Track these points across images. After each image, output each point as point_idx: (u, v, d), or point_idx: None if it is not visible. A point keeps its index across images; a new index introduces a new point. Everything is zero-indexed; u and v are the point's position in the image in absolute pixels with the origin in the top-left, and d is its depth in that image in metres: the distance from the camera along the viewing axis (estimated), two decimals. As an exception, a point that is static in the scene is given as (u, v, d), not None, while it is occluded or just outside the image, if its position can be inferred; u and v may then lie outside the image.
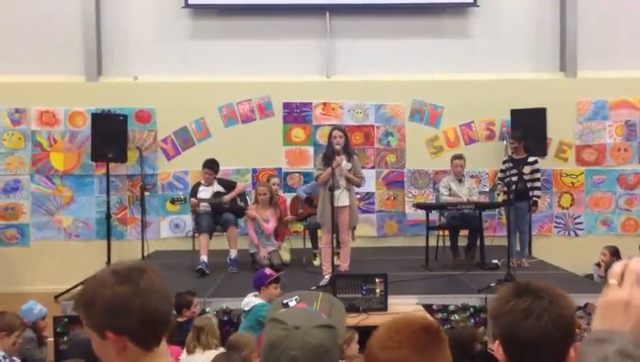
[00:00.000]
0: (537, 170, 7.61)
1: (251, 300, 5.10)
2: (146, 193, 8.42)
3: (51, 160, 8.92)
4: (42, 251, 8.78)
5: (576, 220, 9.17)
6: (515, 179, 7.06)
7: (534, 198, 7.53)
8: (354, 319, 5.24)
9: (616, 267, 1.09)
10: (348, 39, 9.16)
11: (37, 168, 8.91)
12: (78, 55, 8.98)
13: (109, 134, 8.31)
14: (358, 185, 6.77)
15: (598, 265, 7.36)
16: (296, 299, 1.51)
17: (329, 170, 6.24)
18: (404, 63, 9.05)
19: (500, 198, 8.00)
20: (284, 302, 1.50)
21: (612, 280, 1.08)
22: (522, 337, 1.49)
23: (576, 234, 9.14)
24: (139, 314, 1.41)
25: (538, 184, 7.63)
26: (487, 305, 5.79)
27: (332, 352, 1.44)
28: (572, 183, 9.17)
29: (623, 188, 9.13)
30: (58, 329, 5.66)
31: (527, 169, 7.44)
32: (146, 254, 7.96)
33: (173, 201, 7.67)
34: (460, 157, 7.82)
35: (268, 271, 5.42)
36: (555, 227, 9.16)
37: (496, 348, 1.60)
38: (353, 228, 6.94)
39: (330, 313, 1.50)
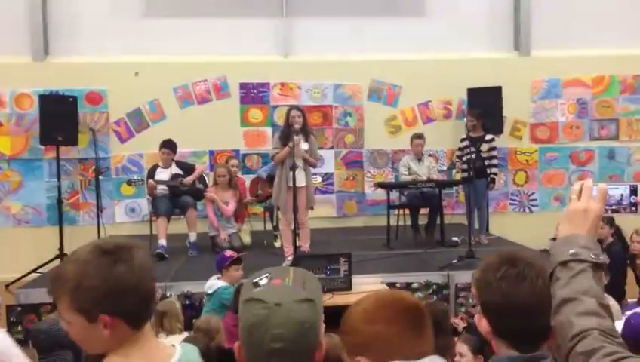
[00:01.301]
0: (494, 148, 7.70)
1: (214, 283, 5.00)
2: (101, 176, 8.16)
3: (-3, 143, 8.54)
4: (-10, 238, 8.42)
5: (531, 197, 9.36)
6: (473, 156, 7.13)
7: (492, 176, 7.62)
8: (319, 299, 5.21)
9: (575, 186, 1.37)
10: (305, 18, 9.04)
11: (-18, 152, 8.51)
12: (24, 33, 8.58)
13: (59, 116, 7.98)
14: (314, 166, 6.73)
15: (554, 239, 7.52)
16: (267, 277, 1.43)
17: (286, 148, 6.18)
18: (362, 43, 9.00)
19: (458, 176, 8.07)
20: (255, 281, 1.42)
21: (573, 196, 1.36)
22: (520, 301, 1.49)
23: (531, 211, 9.34)
24: (136, 293, 1.35)
25: (495, 161, 7.73)
26: (449, 281, 5.87)
27: (316, 326, 1.39)
28: (526, 161, 9.35)
29: (575, 164, 9.35)
30: (12, 319, 5.44)
31: (484, 147, 7.52)
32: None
33: (130, 183, 7.46)
34: (420, 136, 7.85)
35: (228, 253, 5.30)
36: (511, 204, 9.34)
37: (478, 320, 1.59)
38: (311, 209, 6.89)
39: (304, 286, 1.44)
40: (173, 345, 1.55)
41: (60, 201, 8.13)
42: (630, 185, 1.74)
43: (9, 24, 8.51)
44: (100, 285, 1.33)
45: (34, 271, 7.50)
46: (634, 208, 1.67)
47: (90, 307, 1.34)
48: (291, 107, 6.83)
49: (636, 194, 1.62)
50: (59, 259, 7.79)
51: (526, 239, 7.77)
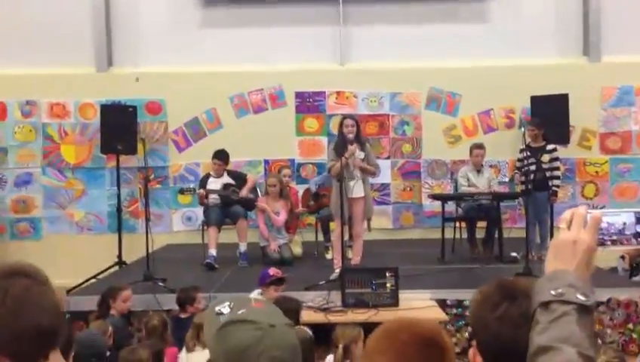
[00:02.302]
0: (557, 159, 7.30)
1: (256, 298, 4.91)
2: (157, 186, 8.29)
3: (62, 152, 8.86)
4: (54, 245, 8.71)
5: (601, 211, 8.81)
6: (533, 168, 6.77)
7: (553, 188, 7.23)
8: (362, 315, 5.05)
9: (566, 214, 1.20)
10: (362, 26, 8.91)
11: (48, 161, 8.84)
12: (88, 46, 8.87)
13: (119, 126, 8.17)
14: (374, 175, 6.55)
15: (622, 257, 7.04)
16: (229, 305, 1.34)
17: (341, 160, 6.03)
18: (420, 50, 8.77)
19: (518, 188, 7.71)
20: (218, 309, 1.34)
21: (562, 225, 1.19)
22: (523, 347, 1.25)
23: (601, 226, 8.79)
24: (9, 328, 1.20)
25: (558, 173, 7.32)
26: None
27: (300, 353, 1.35)
28: (596, 172, 8.83)
29: (649, 176, 8.76)
30: (62, 325, 5.54)
31: (545, 157, 7.14)
32: (153, 249, 7.79)
33: (182, 191, 7.53)
34: (480, 146, 7.55)
35: (272, 270, 5.17)
36: (579, 218, 8.82)
37: (472, 356, 1.40)
38: (369, 220, 6.73)
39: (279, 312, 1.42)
40: None
41: (119, 209, 8.32)
42: (635, 212, 1.55)
43: (75, 38, 8.81)
44: None
45: (93, 277, 7.68)
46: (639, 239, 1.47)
47: None
48: (344, 116, 6.71)
49: (643, 223, 1.43)
50: (117, 266, 7.98)
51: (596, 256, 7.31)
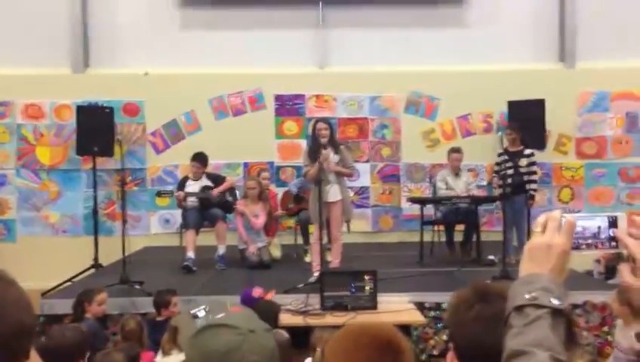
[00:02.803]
0: (534, 163, 7.38)
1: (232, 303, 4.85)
2: (134, 188, 8.21)
3: (37, 154, 8.73)
4: (29, 247, 8.57)
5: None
6: (510, 172, 6.83)
7: (531, 192, 7.30)
8: (341, 318, 5.04)
9: (540, 218, 1.21)
10: (341, 29, 8.92)
11: (23, 163, 8.71)
12: (64, 46, 8.76)
13: (95, 127, 8.06)
14: (350, 176, 6.55)
15: (598, 261, 7.14)
16: (205, 309, 1.34)
17: (316, 165, 6.02)
18: (400, 54, 8.81)
19: (496, 192, 7.77)
20: (193, 312, 1.33)
21: (537, 229, 1.20)
22: (494, 347, 1.24)
23: (577, 229, 8.90)
24: None
25: (535, 177, 7.41)
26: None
27: (278, 358, 1.36)
28: (572, 177, 8.94)
29: (624, 181, 8.89)
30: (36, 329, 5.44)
31: (523, 161, 7.21)
32: (131, 251, 7.71)
33: (159, 194, 7.47)
34: (457, 150, 7.60)
35: (256, 292, 5.10)
36: (555, 222, 8.92)
37: (450, 360, 1.39)
38: (347, 221, 6.73)
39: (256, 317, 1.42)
40: None
41: (95, 212, 8.21)
42: (609, 217, 1.56)
43: (50, 37, 8.69)
44: None
45: (69, 280, 7.56)
46: (613, 243, 1.48)
47: None
48: (317, 119, 6.67)
49: (616, 227, 1.44)
50: (93, 269, 7.87)
51: (572, 259, 7.40)
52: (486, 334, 1.29)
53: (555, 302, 1.09)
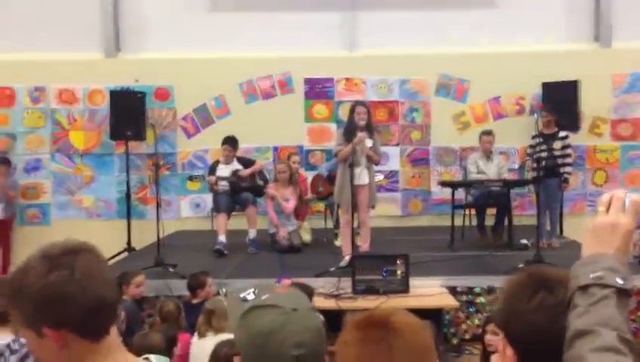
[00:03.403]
0: (568, 146, 7.25)
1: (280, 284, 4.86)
2: (165, 172, 8.29)
3: (71, 138, 8.86)
4: (63, 231, 8.64)
5: (611, 198, 8.77)
6: (544, 155, 6.73)
7: (565, 175, 7.19)
8: (373, 302, 5.05)
9: (604, 197, 1.19)
10: (371, 12, 8.83)
11: (57, 147, 8.85)
12: (97, 31, 8.84)
13: (128, 112, 8.15)
14: (377, 163, 6.55)
15: (633, 244, 7.00)
16: (254, 292, 1.35)
17: (350, 145, 6.02)
18: (429, 36, 8.70)
19: (529, 175, 7.66)
20: (242, 296, 1.34)
21: (600, 208, 1.18)
22: (557, 338, 1.20)
23: (610, 213, 8.75)
24: (78, 302, 1.22)
25: (569, 160, 7.28)
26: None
27: (324, 336, 1.35)
28: (606, 159, 8.78)
29: (660, 163, 8.70)
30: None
31: (557, 144, 7.09)
32: (163, 234, 7.82)
33: (191, 178, 7.51)
34: (489, 133, 7.51)
35: (284, 283, 5.12)
36: (589, 205, 8.78)
37: (502, 349, 1.33)
38: (372, 207, 6.72)
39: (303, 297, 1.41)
40: (146, 358, 1.45)
41: (128, 196, 8.33)
42: None
43: (82, 22, 8.77)
44: (36, 294, 1.22)
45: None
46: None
47: (33, 319, 1.24)
48: (356, 102, 6.67)
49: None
50: (126, 253, 8.00)
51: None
52: (547, 324, 1.25)
53: (620, 281, 1.08)
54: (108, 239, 8.23)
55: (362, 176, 6.17)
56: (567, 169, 7.22)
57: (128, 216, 8.25)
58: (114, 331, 1.33)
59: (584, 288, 1.10)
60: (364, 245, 6.35)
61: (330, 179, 7.61)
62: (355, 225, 6.44)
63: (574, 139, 7.80)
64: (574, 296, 1.11)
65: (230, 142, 7.33)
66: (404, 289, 5.28)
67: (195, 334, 4.29)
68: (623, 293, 1.08)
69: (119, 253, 7.92)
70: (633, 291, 1.10)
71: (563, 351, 1.19)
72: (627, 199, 1.17)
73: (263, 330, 1.28)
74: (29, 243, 8.67)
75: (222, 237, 6.95)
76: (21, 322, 1.26)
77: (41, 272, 1.23)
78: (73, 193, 8.87)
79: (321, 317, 1.40)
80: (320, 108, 8.95)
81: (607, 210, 1.17)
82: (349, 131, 6.18)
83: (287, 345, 1.26)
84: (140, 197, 8.89)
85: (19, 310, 1.25)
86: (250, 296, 1.33)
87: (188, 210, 8.93)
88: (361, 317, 1.29)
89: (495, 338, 3.59)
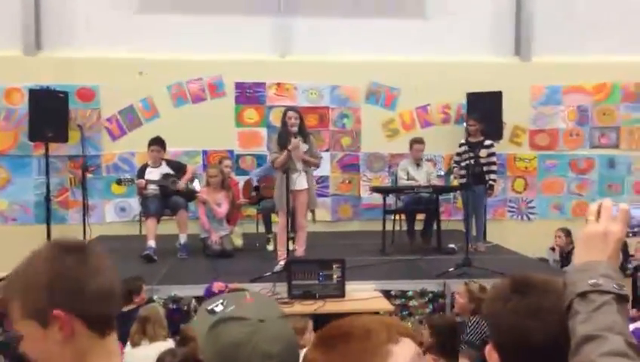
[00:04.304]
0: (493, 154, 7.55)
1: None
2: (89, 175, 7.96)
3: (-14, 139, 8.35)
4: (-25, 236, 8.21)
5: (530, 204, 9.20)
6: (471, 162, 6.96)
7: (490, 182, 7.47)
8: (310, 306, 5.05)
9: (592, 206, 1.24)
10: (303, 17, 8.87)
11: (-31, 148, 8.32)
12: (15, 27, 8.39)
13: (49, 112, 7.81)
14: (317, 166, 6.58)
15: (553, 249, 7.37)
16: (222, 303, 1.30)
17: (285, 153, 6.00)
18: (361, 44, 8.83)
19: (456, 182, 7.91)
20: (210, 308, 1.29)
21: (590, 217, 1.22)
22: (534, 341, 1.25)
23: (529, 219, 9.18)
24: (89, 286, 1.18)
25: (494, 168, 7.58)
26: (446, 290, 5.68)
27: (296, 345, 1.31)
28: (525, 167, 9.20)
29: (574, 172, 9.21)
30: (-10, 321, 5.22)
31: (483, 152, 7.37)
32: (89, 239, 7.52)
33: (119, 182, 7.22)
34: (420, 141, 7.69)
35: (216, 286, 5.01)
36: (509, 211, 9.18)
37: (488, 353, 1.37)
38: (312, 211, 6.73)
39: (271, 304, 1.37)
40: None
41: (48, 199, 7.95)
42: None
43: (1, 18, 8.30)
44: (50, 278, 1.17)
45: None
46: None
47: (40, 306, 1.16)
48: (288, 108, 6.67)
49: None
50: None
51: (524, 247, 7.63)
52: (523, 326, 1.27)
53: (616, 287, 1.12)
54: (25, 245, 7.67)
55: (300, 181, 6.17)
56: (493, 176, 7.51)
57: (48, 221, 7.88)
58: (115, 337, 1.27)
59: (583, 295, 1.12)
60: (299, 249, 6.34)
61: (258, 188, 7.56)
62: (289, 229, 6.41)
63: (496, 147, 8.11)
64: (574, 303, 1.14)
65: (158, 142, 7.11)
66: (340, 293, 5.31)
67: (128, 343, 4.13)
68: (621, 299, 1.12)
69: (38, 260, 7.54)
70: (628, 298, 1.15)
71: (544, 356, 1.24)
72: (616, 208, 1.21)
73: (230, 344, 1.23)
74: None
75: (151, 242, 6.75)
76: (23, 312, 1.18)
77: (50, 256, 1.20)
78: (-14, 196, 8.36)
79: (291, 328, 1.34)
80: (251, 113, 8.88)
81: (597, 218, 1.21)
82: (283, 138, 6.17)
83: (256, 356, 1.22)
84: (60, 201, 8.49)
85: (22, 299, 1.18)
86: (219, 308, 1.28)
87: (112, 215, 8.62)
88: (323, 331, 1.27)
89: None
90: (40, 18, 8.50)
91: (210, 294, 4.93)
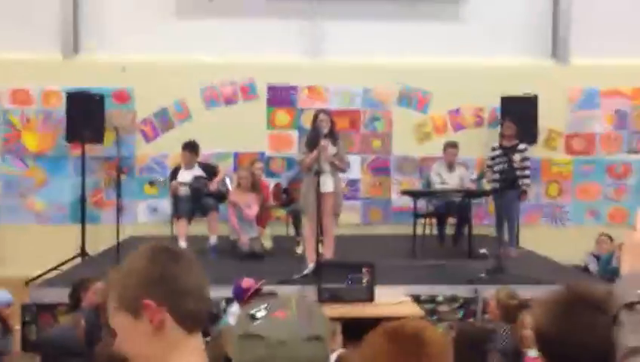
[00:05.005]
0: (527, 158, 7.43)
1: (236, 312, 4.71)
2: (122, 176, 8.07)
3: (24, 140, 8.56)
4: (13, 235, 8.41)
5: (564, 210, 9.02)
6: (504, 166, 6.87)
7: (524, 187, 7.35)
8: (338, 310, 5.00)
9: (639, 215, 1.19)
10: (335, 21, 8.85)
11: (8, 148, 8.54)
12: (55, 31, 8.57)
13: (85, 114, 7.95)
14: (344, 171, 6.54)
15: (594, 255, 7.22)
16: (266, 309, 1.25)
17: (314, 153, 6.00)
18: (393, 46, 8.78)
19: (488, 186, 7.80)
20: (251, 313, 1.25)
21: (639, 225, 1.19)
22: (586, 358, 1.23)
23: (564, 224, 9.00)
24: (181, 283, 1.25)
25: (528, 172, 7.46)
26: (477, 296, 5.60)
27: None
28: (560, 172, 9.02)
29: (611, 178, 9.00)
30: (26, 318, 5.34)
31: (517, 156, 7.25)
32: (121, 239, 7.63)
33: (152, 183, 7.32)
34: (454, 145, 7.62)
35: (245, 283, 4.99)
36: (543, 216, 9.01)
37: None
38: (337, 215, 6.70)
39: (310, 320, 1.25)
40: None
41: (83, 199, 8.10)
42: None
43: (40, 21, 8.50)
44: (146, 272, 1.26)
45: (53, 269, 7.45)
46: None
47: (134, 295, 1.24)
48: (319, 110, 6.65)
49: None
50: (80, 258, 7.77)
51: (558, 253, 7.49)
52: (580, 340, 1.24)
53: None
54: (60, 244, 8.02)
55: (327, 184, 6.14)
56: (526, 181, 7.39)
57: (83, 221, 8.03)
58: (200, 335, 1.32)
59: (630, 306, 1.09)
60: (327, 252, 6.32)
61: (287, 191, 7.57)
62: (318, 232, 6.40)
63: (530, 152, 7.99)
64: (620, 314, 1.11)
65: (190, 147, 7.22)
66: (369, 297, 5.27)
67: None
68: None
69: (72, 258, 7.70)
70: None
71: None
72: None
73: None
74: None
75: (182, 243, 6.82)
76: (118, 303, 1.26)
77: (147, 255, 1.29)
78: (24, 196, 8.55)
79: (323, 350, 1.29)
80: (282, 116, 8.91)
81: None
82: (312, 139, 6.16)
83: None
84: (95, 201, 8.64)
85: (119, 291, 1.26)
86: (261, 313, 1.24)
87: (145, 215, 8.74)
88: (392, 328, 1.27)
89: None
90: (78, 22, 8.68)
91: (239, 291, 4.94)
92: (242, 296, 4.76)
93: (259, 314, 1.23)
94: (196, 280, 1.29)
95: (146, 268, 1.26)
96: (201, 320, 1.30)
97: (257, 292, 4.81)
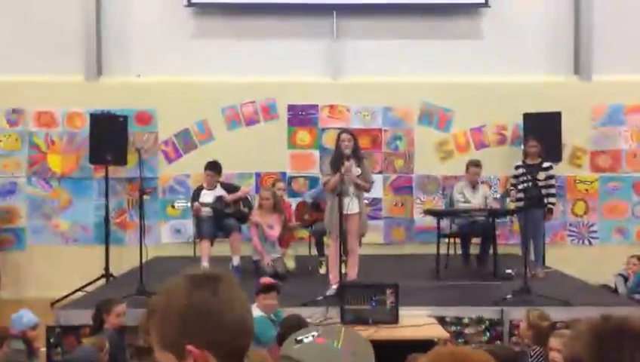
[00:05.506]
0: (552, 176, 7.32)
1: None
2: (145, 197, 8.12)
3: (49, 162, 8.67)
4: (39, 256, 8.51)
5: (591, 228, 8.86)
6: (529, 185, 6.77)
7: (549, 205, 7.23)
8: (363, 332, 4.95)
9: None
10: (355, 40, 8.89)
11: (34, 170, 8.65)
12: (78, 54, 8.71)
13: (109, 136, 8.04)
14: (367, 191, 6.50)
15: (622, 276, 7.07)
16: (313, 336, 1.26)
17: (337, 175, 5.94)
18: (414, 65, 8.78)
19: (512, 205, 7.69)
20: (299, 338, 1.25)
21: None
22: None
23: (591, 243, 8.84)
24: (222, 321, 1.22)
25: (553, 191, 7.34)
26: (504, 318, 5.49)
27: None
28: (586, 190, 8.88)
29: (638, 195, 8.83)
30: (51, 340, 5.36)
31: (541, 175, 7.15)
32: (144, 260, 7.65)
33: (174, 206, 7.34)
34: (477, 164, 7.53)
35: (263, 279, 5.14)
36: (569, 235, 8.86)
37: None
38: (362, 236, 6.64)
39: (354, 353, 1.25)
40: None
41: (107, 220, 8.15)
42: None
43: (64, 45, 8.64)
44: (181, 312, 1.22)
45: (79, 290, 7.49)
46: None
47: (176, 337, 1.22)
48: (342, 130, 6.60)
49: None
50: (104, 279, 7.81)
51: (585, 273, 7.36)
52: None
53: None
54: (85, 265, 8.08)
55: (352, 206, 6.08)
56: (552, 199, 7.27)
57: (107, 242, 8.07)
58: None
59: None
60: (351, 273, 6.26)
61: (315, 206, 7.54)
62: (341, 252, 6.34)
63: (555, 169, 7.88)
64: None
65: (213, 166, 7.24)
66: (393, 319, 5.21)
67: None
68: None
69: (97, 279, 7.74)
70: None
71: None
72: None
73: None
74: (2, 269, 8.41)
75: (205, 263, 6.80)
76: (161, 344, 1.24)
77: (185, 291, 1.24)
78: (49, 217, 8.64)
79: None
80: (303, 135, 8.92)
81: None
82: (336, 160, 6.11)
83: None
84: (119, 222, 8.70)
85: (161, 331, 1.24)
86: (308, 339, 1.25)
87: (168, 236, 8.77)
88: (437, 355, 1.24)
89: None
90: (101, 45, 8.81)
91: (257, 286, 5.02)
92: (256, 288, 4.97)
93: (305, 340, 1.25)
94: (237, 312, 1.26)
95: (186, 308, 1.22)
96: (244, 354, 1.28)
97: (267, 288, 4.96)
